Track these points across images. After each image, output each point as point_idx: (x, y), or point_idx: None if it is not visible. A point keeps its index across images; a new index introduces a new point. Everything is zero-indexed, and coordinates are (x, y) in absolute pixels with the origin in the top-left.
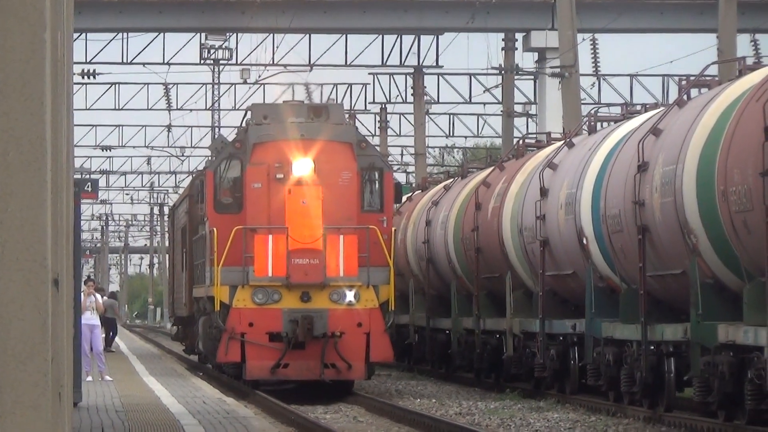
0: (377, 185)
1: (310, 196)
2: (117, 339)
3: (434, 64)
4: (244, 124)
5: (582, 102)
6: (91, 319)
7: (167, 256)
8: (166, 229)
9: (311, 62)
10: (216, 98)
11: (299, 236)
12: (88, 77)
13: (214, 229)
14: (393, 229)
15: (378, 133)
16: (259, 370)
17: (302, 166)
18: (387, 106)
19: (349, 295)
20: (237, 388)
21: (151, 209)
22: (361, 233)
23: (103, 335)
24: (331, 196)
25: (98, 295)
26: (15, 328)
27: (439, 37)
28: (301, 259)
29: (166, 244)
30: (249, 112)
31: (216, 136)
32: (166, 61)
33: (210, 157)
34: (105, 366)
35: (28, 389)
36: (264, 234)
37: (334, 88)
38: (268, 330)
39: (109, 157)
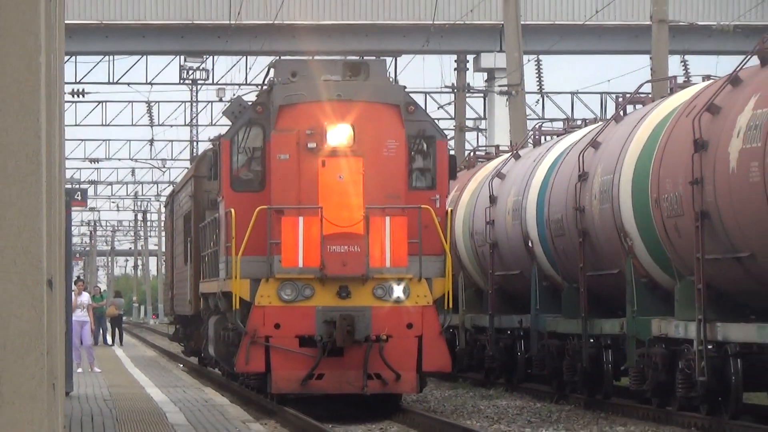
0: (428, 157)
1: (349, 170)
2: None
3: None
4: (266, 84)
5: (527, 117)
6: (81, 316)
7: (165, 248)
8: (163, 220)
9: None
10: (194, 115)
11: (336, 218)
12: (78, 96)
13: (232, 210)
14: (449, 209)
15: None
16: (288, 382)
17: (339, 133)
18: None
19: (397, 290)
20: (257, 401)
21: (135, 216)
22: (411, 214)
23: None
24: (374, 170)
25: (87, 294)
26: (14, 326)
27: (398, 58)
28: (338, 247)
29: (150, 247)
30: (272, 69)
31: (233, 98)
32: (148, 81)
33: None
34: (94, 358)
35: (26, 381)
36: (293, 216)
37: None
38: (298, 333)
39: (97, 168)
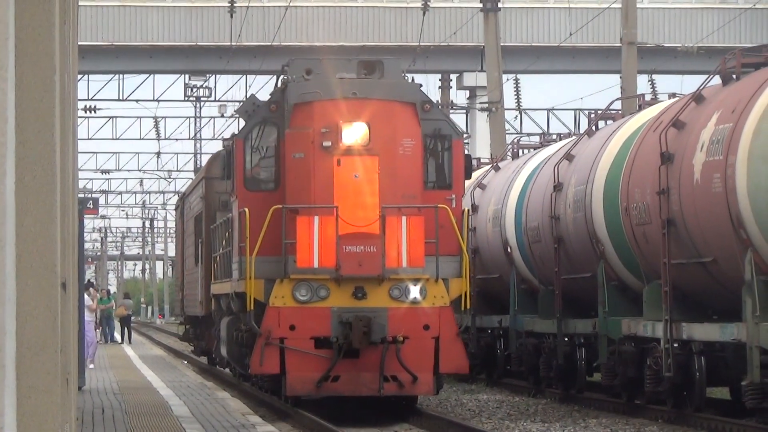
0: (445, 156)
1: (364, 169)
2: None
3: None
4: (280, 83)
5: (506, 132)
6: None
7: (175, 250)
8: (170, 227)
9: None
10: (198, 129)
11: (351, 218)
12: (90, 112)
13: (246, 209)
14: (466, 209)
15: None
16: (303, 384)
17: (354, 131)
18: None
19: (414, 291)
20: (269, 403)
21: (143, 223)
22: (428, 214)
23: (110, 331)
24: (389, 169)
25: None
26: (30, 325)
27: None
28: (353, 247)
29: (157, 252)
30: (286, 68)
31: (247, 97)
32: (155, 98)
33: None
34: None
35: (41, 376)
36: (308, 215)
37: None
38: (313, 334)
39: (108, 179)
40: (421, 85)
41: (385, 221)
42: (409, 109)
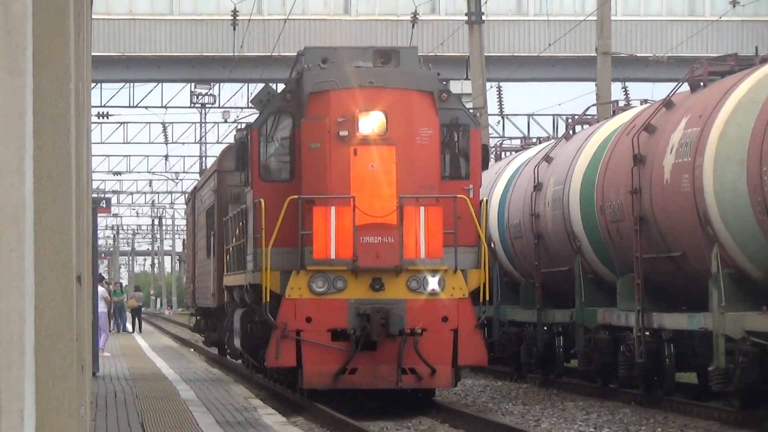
0: (462, 146)
1: (381, 159)
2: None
3: None
4: (294, 73)
5: (490, 136)
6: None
7: (185, 243)
8: (177, 225)
9: None
10: (203, 134)
11: (368, 208)
12: (103, 118)
13: (261, 200)
14: (484, 199)
15: None
16: (320, 377)
17: (371, 120)
18: None
19: (432, 282)
20: (283, 395)
21: (153, 221)
22: (446, 204)
23: (123, 322)
24: (407, 159)
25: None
26: (48, 315)
27: None
28: (371, 237)
29: (166, 247)
30: (301, 57)
31: (261, 87)
32: (163, 105)
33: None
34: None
35: (58, 363)
36: (324, 206)
37: None
38: (330, 326)
39: (119, 180)
40: (438, 73)
41: (402, 212)
42: (426, 98)
